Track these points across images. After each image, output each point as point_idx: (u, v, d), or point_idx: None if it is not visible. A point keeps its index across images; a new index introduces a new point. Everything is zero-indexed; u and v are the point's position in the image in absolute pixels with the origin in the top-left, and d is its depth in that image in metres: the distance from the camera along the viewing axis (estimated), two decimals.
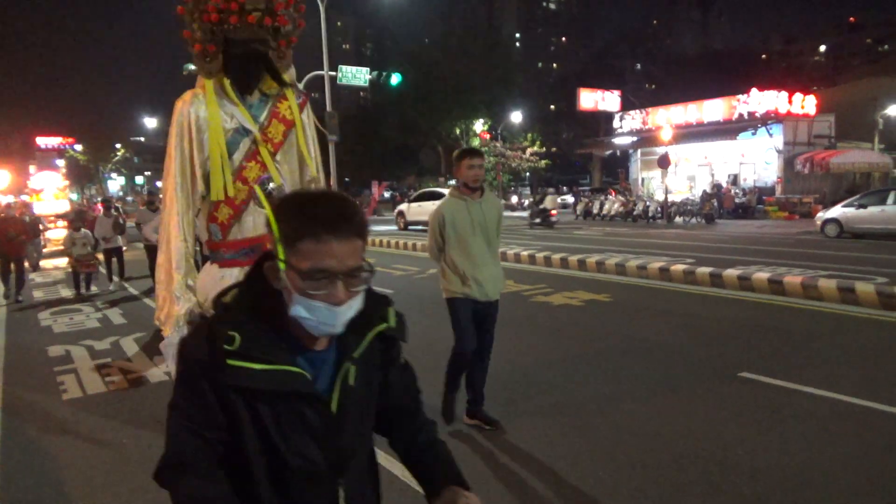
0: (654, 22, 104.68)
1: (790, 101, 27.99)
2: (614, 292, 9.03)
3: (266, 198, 3.25)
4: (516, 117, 41.26)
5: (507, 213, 40.39)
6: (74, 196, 26.59)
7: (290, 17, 3.27)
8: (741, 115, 28.27)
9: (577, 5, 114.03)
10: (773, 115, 27.55)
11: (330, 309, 1.12)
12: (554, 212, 23.68)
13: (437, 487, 1.30)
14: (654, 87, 57.77)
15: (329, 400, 1.21)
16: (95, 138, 57.26)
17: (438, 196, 22.91)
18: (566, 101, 47.34)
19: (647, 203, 26.69)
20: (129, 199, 51.81)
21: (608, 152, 39.19)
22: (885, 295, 7.50)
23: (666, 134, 27.28)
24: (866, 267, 10.49)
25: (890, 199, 15.92)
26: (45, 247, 16.48)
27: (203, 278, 3.05)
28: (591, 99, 37.45)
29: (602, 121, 38.48)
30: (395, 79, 23.82)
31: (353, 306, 1.16)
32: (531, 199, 28.24)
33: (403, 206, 24.74)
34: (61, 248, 11.85)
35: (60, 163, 50.13)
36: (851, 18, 75.12)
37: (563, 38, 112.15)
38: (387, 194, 43.81)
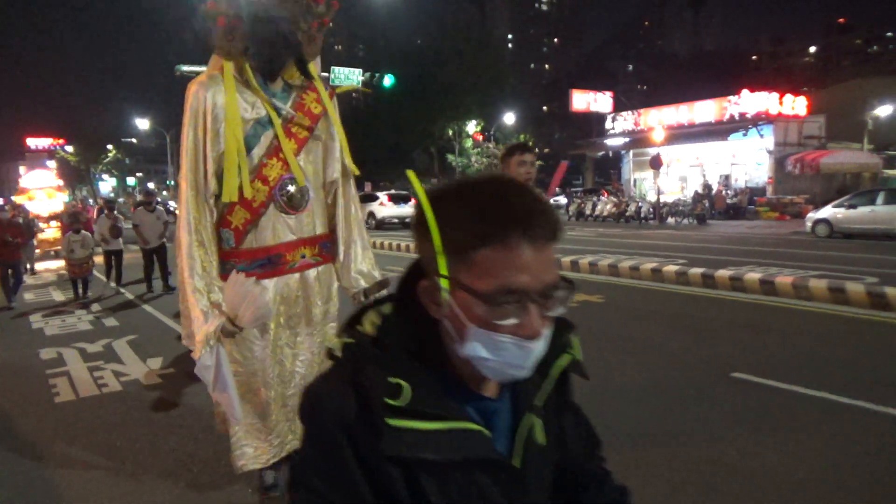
0: (646, 23, 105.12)
1: (781, 102, 28.17)
2: (607, 293, 9.06)
3: (285, 201, 2.76)
4: (509, 118, 41.35)
5: None
6: (66, 198, 26.20)
7: None
8: (732, 116, 28.44)
9: (569, 7, 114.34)
10: (763, 115, 27.72)
11: (521, 345, 0.81)
12: None
13: None
14: (645, 87, 58.03)
15: (512, 464, 0.91)
16: (86, 139, 56.99)
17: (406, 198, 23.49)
18: (558, 102, 47.54)
19: (640, 204, 26.81)
20: (121, 199, 51.54)
21: (600, 153, 39.35)
22: (875, 295, 7.57)
23: (658, 135, 27.41)
24: (856, 267, 10.57)
25: (879, 200, 16.05)
26: (37, 248, 15.97)
27: (230, 289, 2.56)
28: (583, 100, 37.57)
29: (594, 122, 38.61)
30: (388, 80, 23.82)
31: (546, 338, 0.85)
32: None
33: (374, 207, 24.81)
34: (58, 248, 11.72)
35: (51, 164, 49.88)
36: (841, 20, 75.62)
37: (556, 40, 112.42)
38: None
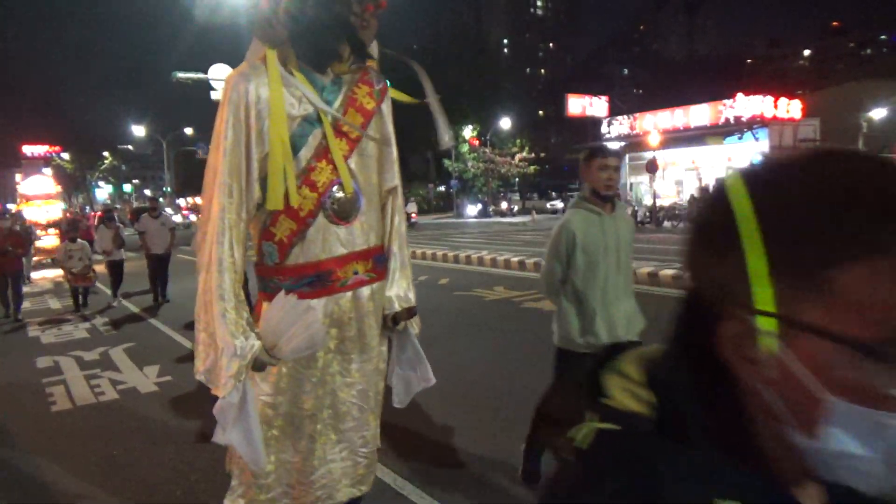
0: (641, 27, 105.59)
1: (776, 106, 28.30)
2: None
3: (334, 209, 2.34)
4: (505, 123, 41.45)
5: (497, 220, 40.26)
6: (62, 205, 26.02)
7: None
8: (728, 120, 28.55)
9: (565, 11, 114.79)
10: (758, 119, 27.84)
11: None
12: (414, 215, 28.29)
13: None
14: (641, 91, 58.26)
15: None
16: (82, 146, 56.94)
17: None
18: (554, 107, 47.67)
19: (636, 207, 26.90)
20: (118, 206, 51.48)
21: None
22: None
23: (653, 139, 27.51)
24: None
25: None
26: (34, 255, 15.44)
27: (276, 313, 2.15)
28: (578, 104, 37.69)
29: (590, 126, 38.70)
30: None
31: None
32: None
33: None
34: (54, 257, 11.38)
35: (47, 171, 49.76)
36: (835, 23, 76.07)
37: (551, 44, 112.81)
38: None
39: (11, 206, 21.33)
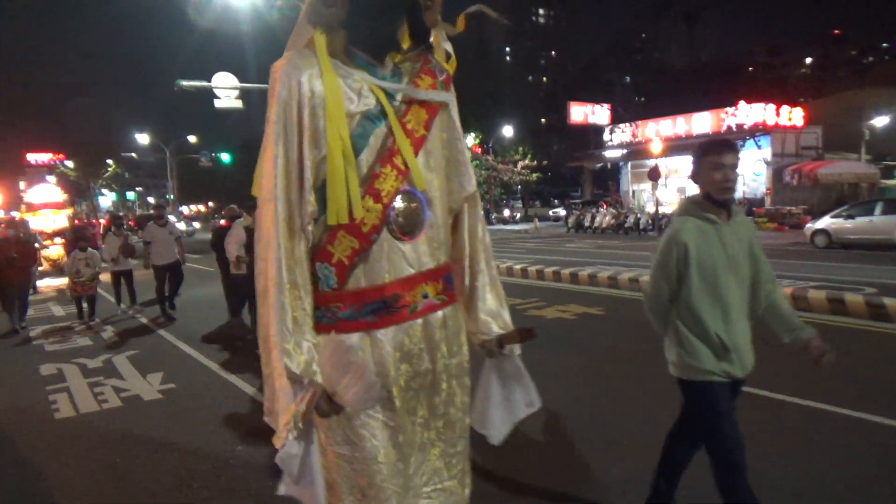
0: (642, 35, 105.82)
1: (777, 114, 28.35)
2: (607, 305, 9.06)
3: (399, 222, 1.95)
4: (507, 131, 41.54)
5: (499, 227, 40.25)
6: (68, 213, 25.95)
7: None
8: (729, 128, 28.59)
9: (566, 19, 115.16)
10: (760, 127, 27.88)
11: None
12: None
13: None
14: (643, 99, 58.36)
15: None
16: (86, 154, 57.16)
17: None
18: (556, 115, 47.80)
19: (638, 215, 26.89)
20: (121, 213, 51.61)
21: (598, 165, 39.48)
22: (873, 305, 7.57)
23: (656, 146, 27.55)
24: (855, 277, 10.58)
25: (877, 210, 16.11)
26: (40, 265, 15.10)
27: (326, 358, 1.86)
28: (581, 112, 37.79)
29: (592, 134, 38.79)
30: None
31: None
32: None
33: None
34: (61, 266, 11.08)
35: (51, 179, 49.97)
36: (836, 31, 76.19)
37: (553, 52, 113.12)
38: None
39: (16, 214, 21.28)
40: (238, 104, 25.15)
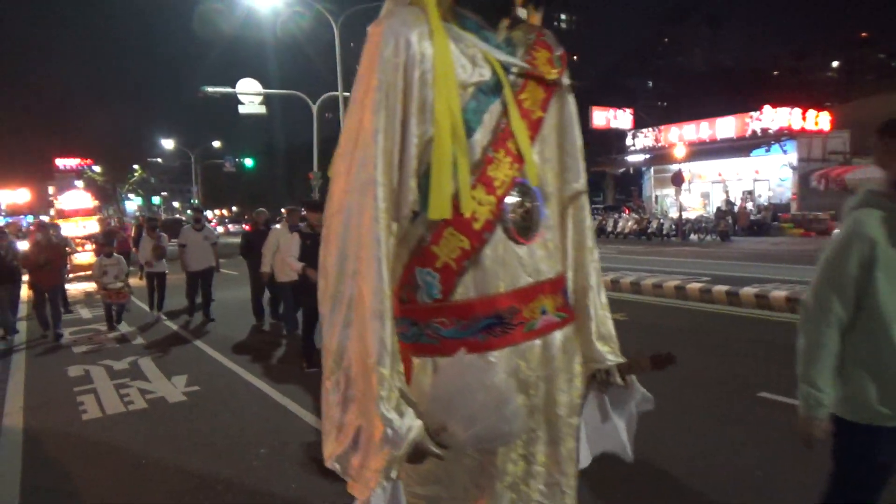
0: (665, 40, 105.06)
1: (804, 118, 27.91)
2: (630, 311, 8.99)
3: (516, 220, 1.59)
4: None
5: None
6: (99, 216, 26.23)
7: None
8: (754, 132, 28.21)
9: (587, 24, 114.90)
10: (786, 131, 27.49)
11: None
12: None
13: None
14: (665, 104, 57.91)
15: None
16: (113, 159, 58.28)
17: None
18: (579, 119, 47.52)
19: (661, 220, 26.65)
20: (155, 216, 52.45)
21: (621, 170, 39.18)
22: None
23: (679, 151, 27.25)
24: None
25: None
26: (70, 271, 14.57)
27: (450, 379, 1.45)
28: (603, 117, 37.55)
29: (614, 139, 38.52)
30: None
31: None
32: None
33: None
34: (89, 273, 10.90)
35: (79, 184, 50.95)
36: (863, 34, 75.00)
37: (574, 57, 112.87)
38: None
39: (45, 218, 21.63)
40: (262, 109, 25.47)
